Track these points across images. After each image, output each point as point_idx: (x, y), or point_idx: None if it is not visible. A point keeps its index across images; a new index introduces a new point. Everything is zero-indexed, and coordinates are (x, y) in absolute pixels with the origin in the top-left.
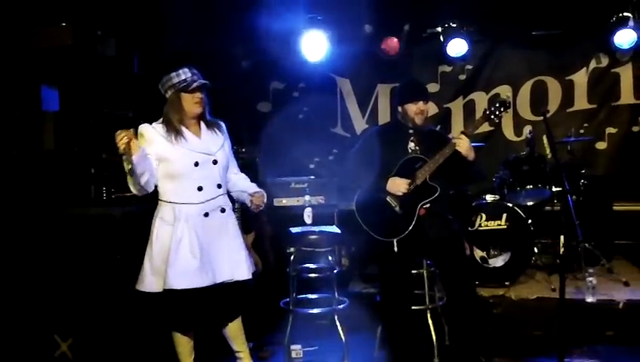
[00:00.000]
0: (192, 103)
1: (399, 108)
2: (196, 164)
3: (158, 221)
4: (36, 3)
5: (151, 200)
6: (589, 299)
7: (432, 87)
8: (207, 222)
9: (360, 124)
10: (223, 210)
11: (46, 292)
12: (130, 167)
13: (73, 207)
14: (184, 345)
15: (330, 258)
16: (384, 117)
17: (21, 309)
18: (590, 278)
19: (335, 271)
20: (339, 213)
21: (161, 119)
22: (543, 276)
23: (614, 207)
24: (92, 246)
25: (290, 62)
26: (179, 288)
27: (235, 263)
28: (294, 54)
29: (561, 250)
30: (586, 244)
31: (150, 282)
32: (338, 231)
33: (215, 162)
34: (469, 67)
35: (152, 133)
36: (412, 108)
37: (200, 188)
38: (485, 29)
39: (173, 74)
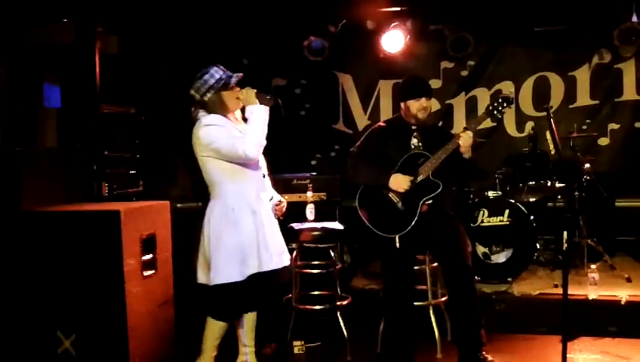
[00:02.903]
0: (233, 99)
1: (402, 105)
2: None
3: (231, 212)
4: (38, 0)
5: (150, 196)
6: (592, 295)
7: (435, 83)
8: (266, 208)
9: (362, 120)
10: (271, 198)
11: (48, 289)
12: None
13: (75, 203)
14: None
15: (332, 254)
16: (386, 113)
17: (23, 306)
18: (592, 274)
19: (337, 268)
20: (341, 209)
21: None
22: (545, 272)
23: (617, 203)
24: (95, 242)
25: (291, 59)
26: (275, 268)
27: (283, 249)
28: (296, 50)
29: (564, 246)
30: (589, 240)
31: (231, 272)
32: (341, 227)
33: None
34: (472, 63)
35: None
36: (415, 105)
37: (264, 176)
38: (488, 26)
39: (207, 76)
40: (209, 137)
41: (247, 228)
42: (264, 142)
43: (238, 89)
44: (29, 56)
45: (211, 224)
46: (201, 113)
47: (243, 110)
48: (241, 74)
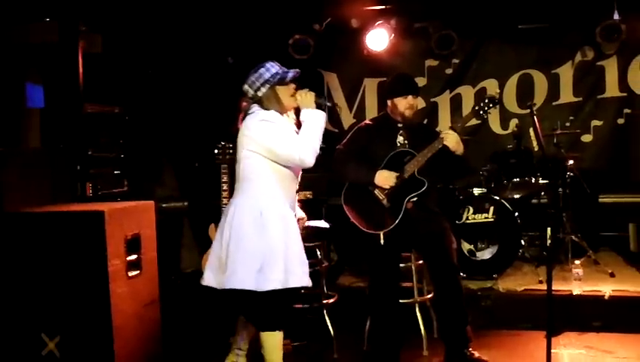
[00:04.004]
0: (288, 96)
1: (389, 102)
2: None
3: (259, 215)
4: None
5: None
6: (576, 291)
7: (419, 81)
8: (294, 220)
9: (347, 118)
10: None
11: (32, 290)
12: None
13: (59, 203)
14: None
15: (318, 252)
16: (372, 111)
17: (7, 307)
18: (577, 270)
19: (324, 266)
20: (327, 207)
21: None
22: (530, 268)
23: (600, 199)
24: (79, 243)
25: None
26: (306, 285)
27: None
28: (281, 49)
29: (548, 242)
30: (573, 236)
31: (244, 278)
32: (327, 225)
33: None
34: (456, 61)
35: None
36: (402, 103)
37: (297, 191)
38: (472, 23)
39: (262, 69)
40: (264, 133)
41: (274, 233)
42: (319, 150)
43: (294, 86)
44: (12, 56)
45: (234, 224)
46: (256, 107)
47: (297, 112)
48: (298, 70)
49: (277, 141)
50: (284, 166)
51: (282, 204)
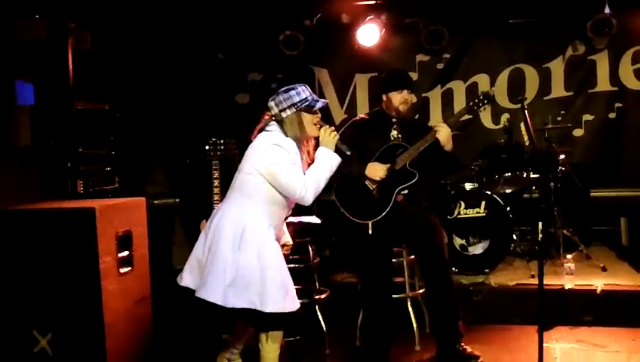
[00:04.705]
0: (311, 124)
1: (383, 97)
2: None
3: (265, 232)
4: None
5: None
6: (568, 285)
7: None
8: (277, 246)
9: (339, 114)
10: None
11: (23, 288)
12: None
13: (50, 201)
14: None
15: (310, 248)
16: (363, 107)
17: None
18: (568, 264)
19: (315, 262)
20: (319, 203)
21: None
22: (522, 263)
23: (592, 194)
24: (70, 240)
25: (267, 53)
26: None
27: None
28: (272, 45)
29: (540, 236)
30: (564, 231)
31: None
32: (318, 221)
33: None
34: (447, 56)
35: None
36: (397, 97)
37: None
38: (462, 18)
39: (293, 92)
40: (273, 158)
41: (249, 255)
42: (320, 191)
43: (319, 115)
44: (1, 53)
45: (216, 232)
46: (274, 127)
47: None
48: (327, 101)
49: (283, 171)
50: (281, 193)
51: (267, 228)
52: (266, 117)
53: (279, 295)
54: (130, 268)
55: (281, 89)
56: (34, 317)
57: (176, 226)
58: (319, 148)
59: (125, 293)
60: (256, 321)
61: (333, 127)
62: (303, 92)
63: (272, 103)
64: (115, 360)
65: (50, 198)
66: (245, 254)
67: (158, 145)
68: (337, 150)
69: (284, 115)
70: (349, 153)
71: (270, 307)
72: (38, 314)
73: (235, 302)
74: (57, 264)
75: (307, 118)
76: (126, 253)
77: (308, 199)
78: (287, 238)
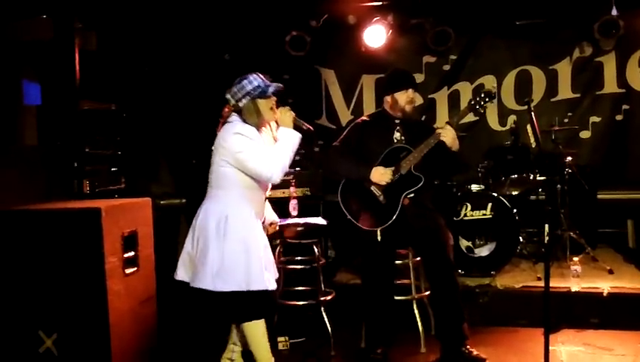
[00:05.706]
0: (268, 110)
1: (388, 98)
2: None
3: (247, 218)
4: None
5: (132, 193)
6: (574, 287)
7: (417, 78)
8: (261, 229)
9: (345, 115)
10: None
11: (29, 288)
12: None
13: (56, 201)
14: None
15: (316, 249)
16: (369, 108)
17: (4, 305)
18: (575, 266)
19: (321, 263)
20: (324, 204)
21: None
22: (528, 265)
23: (598, 196)
24: (76, 240)
25: (273, 54)
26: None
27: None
28: (278, 45)
29: (546, 238)
30: (571, 233)
31: (268, 279)
32: (324, 222)
33: None
34: (454, 57)
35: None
36: (402, 97)
37: (266, 199)
38: (468, 19)
39: (245, 81)
40: (237, 146)
41: (235, 240)
42: (287, 168)
43: (275, 100)
44: (7, 53)
45: (201, 226)
46: (235, 118)
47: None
48: (282, 85)
49: (247, 155)
50: (253, 178)
51: (248, 212)
52: (227, 109)
53: (263, 276)
54: (135, 269)
55: (235, 80)
56: (39, 318)
57: (182, 226)
58: (279, 129)
59: (130, 293)
60: (240, 310)
61: (288, 107)
62: (254, 80)
63: (228, 96)
64: (120, 360)
65: (56, 198)
66: (230, 241)
67: (164, 145)
68: (296, 127)
69: (240, 104)
70: (305, 128)
71: (255, 285)
72: (43, 314)
73: (224, 286)
74: (63, 264)
75: (263, 103)
76: (131, 253)
77: (275, 179)
78: (274, 217)
